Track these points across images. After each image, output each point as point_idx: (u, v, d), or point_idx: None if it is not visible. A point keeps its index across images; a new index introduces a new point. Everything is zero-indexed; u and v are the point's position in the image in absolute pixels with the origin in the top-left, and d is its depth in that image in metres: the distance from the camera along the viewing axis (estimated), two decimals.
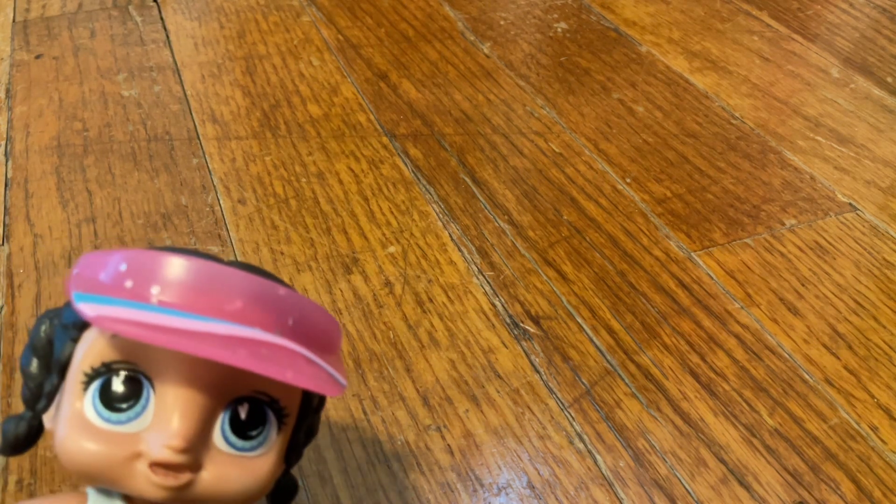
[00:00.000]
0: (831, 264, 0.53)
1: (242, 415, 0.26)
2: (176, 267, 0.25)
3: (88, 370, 0.25)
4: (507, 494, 0.40)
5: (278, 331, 0.26)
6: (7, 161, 0.59)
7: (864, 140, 0.64)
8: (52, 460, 0.40)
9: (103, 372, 0.25)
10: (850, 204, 0.58)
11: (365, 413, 0.43)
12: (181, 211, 0.55)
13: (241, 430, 0.26)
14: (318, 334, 0.27)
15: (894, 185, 0.60)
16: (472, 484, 0.40)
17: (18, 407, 0.42)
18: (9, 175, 0.58)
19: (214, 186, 0.57)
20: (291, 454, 0.29)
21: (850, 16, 0.81)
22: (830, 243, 0.55)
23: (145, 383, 0.25)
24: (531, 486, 0.40)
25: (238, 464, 0.26)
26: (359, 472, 0.40)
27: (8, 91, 0.66)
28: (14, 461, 0.40)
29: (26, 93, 0.66)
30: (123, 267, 0.25)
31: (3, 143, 0.61)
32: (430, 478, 0.40)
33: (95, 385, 0.25)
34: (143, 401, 0.25)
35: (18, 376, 0.44)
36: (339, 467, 0.40)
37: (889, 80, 0.71)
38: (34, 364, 0.27)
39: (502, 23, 0.78)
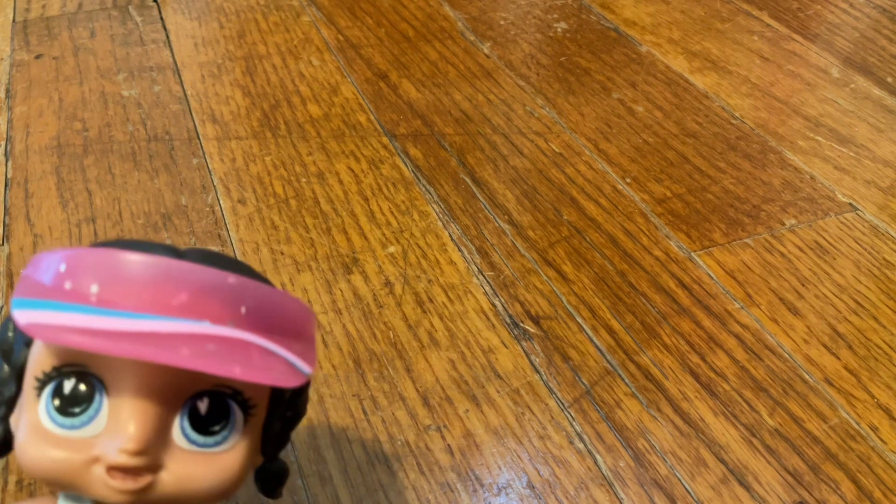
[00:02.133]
0: (831, 264, 0.53)
1: (202, 410, 0.25)
2: (116, 263, 0.24)
3: (40, 375, 0.25)
4: (507, 494, 0.40)
5: (230, 321, 0.24)
6: (7, 161, 0.59)
7: (864, 140, 0.64)
8: None
9: (54, 376, 0.25)
10: (850, 204, 0.58)
11: (365, 413, 0.43)
12: (181, 211, 0.55)
13: (203, 425, 0.25)
14: (278, 320, 0.26)
15: (894, 185, 0.60)
16: (472, 484, 0.40)
17: None
18: (9, 175, 0.58)
19: (214, 186, 0.57)
20: (268, 444, 0.28)
21: (850, 16, 0.81)
22: (830, 243, 0.55)
23: (97, 386, 0.25)
24: (531, 486, 0.40)
25: (202, 460, 0.25)
26: (359, 472, 0.40)
27: (8, 91, 0.66)
28: (14, 461, 0.40)
29: (26, 93, 0.66)
30: (63, 267, 0.24)
31: (3, 143, 0.61)
32: (430, 478, 0.40)
33: (47, 390, 0.25)
34: (95, 404, 0.24)
35: None
36: (339, 467, 0.40)
37: (889, 80, 0.71)
38: (4, 370, 0.26)
39: (502, 23, 0.78)
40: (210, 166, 0.59)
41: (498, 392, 0.44)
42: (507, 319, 0.48)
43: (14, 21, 0.76)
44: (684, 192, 0.58)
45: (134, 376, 0.24)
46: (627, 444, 0.42)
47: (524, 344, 0.47)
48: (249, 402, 0.26)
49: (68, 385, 0.25)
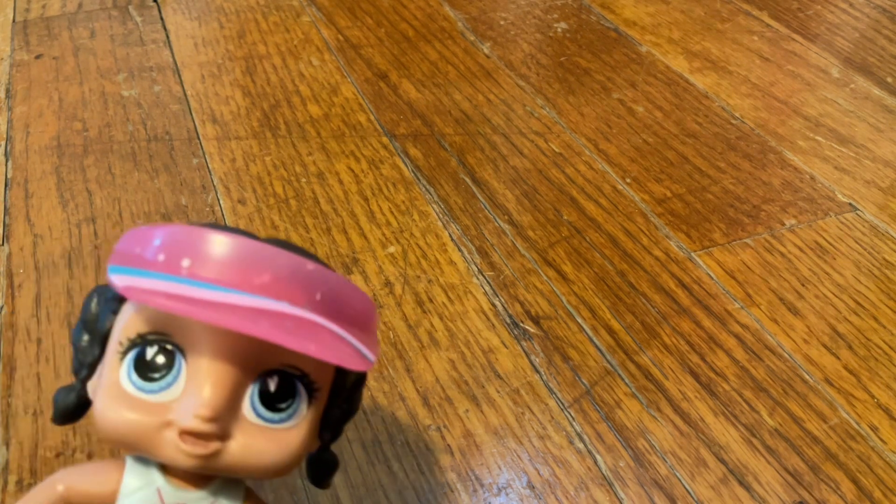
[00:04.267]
0: (831, 264, 0.53)
1: (272, 387, 0.26)
2: (207, 241, 0.26)
3: (124, 341, 0.26)
4: (507, 494, 0.40)
5: (306, 305, 0.26)
6: (7, 161, 0.59)
7: (864, 140, 0.64)
8: (53, 460, 0.40)
9: (138, 343, 0.26)
10: (850, 204, 0.58)
11: (365, 413, 0.43)
12: (181, 211, 0.55)
13: (271, 402, 0.26)
14: (347, 310, 0.27)
15: (894, 185, 0.60)
16: (472, 484, 0.40)
17: (18, 407, 0.42)
18: (9, 175, 0.58)
19: (214, 186, 0.57)
20: (326, 430, 0.29)
21: (850, 16, 0.81)
22: (830, 243, 0.55)
23: (178, 354, 0.26)
24: (531, 486, 0.40)
25: (267, 435, 0.26)
26: (359, 472, 0.40)
27: (8, 91, 0.66)
28: (14, 461, 0.40)
29: (26, 93, 0.66)
30: (158, 241, 0.26)
31: (3, 143, 0.61)
32: (430, 478, 0.40)
33: (131, 355, 0.26)
34: (175, 371, 0.26)
35: (18, 376, 0.44)
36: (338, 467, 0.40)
37: (889, 80, 0.71)
38: (84, 338, 0.28)
39: (502, 23, 0.78)
40: (210, 166, 0.59)
41: (498, 392, 0.44)
42: (507, 319, 0.48)
43: (14, 21, 0.76)
44: (684, 192, 0.58)
45: (212, 348, 0.26)
46: (627, 444, 0.42)
47: (524, 344, 0.47)
48: (315, 384, 0.27)
49: (151, 351, 0.26)
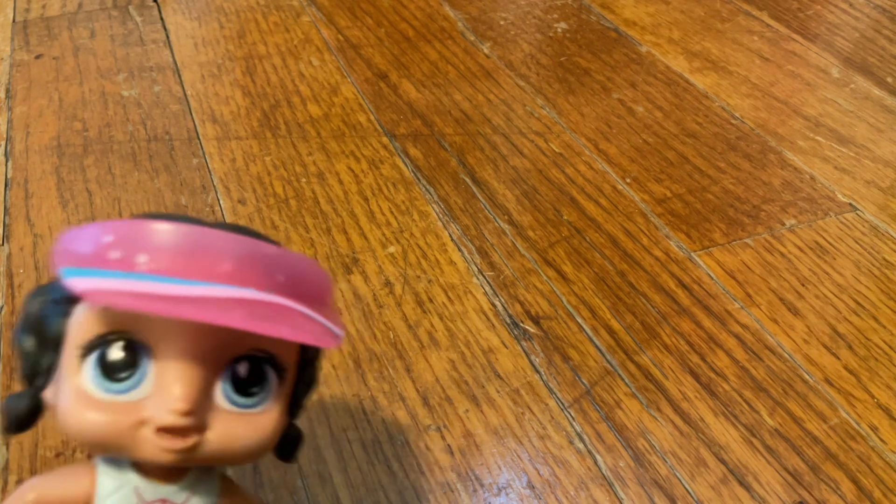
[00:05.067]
0: (831, 264, 0.53)
1: (242, 373, 0.26)
2: (161, 233, 0.25)
3: (83, 343, 0.26)
4: (507, 494, 0.40)
5: (270, 288, 0.26)
6: (7, 161, 0.59)
7: (864, 140, 0.64)
8: (52, 460, 0.40)
9: (98, 344, 0.26)
10: (850, 204, 0.58)
11: (365, 413, 0.43)
12: (181, 211, 0.55)
13: (243, 387, 0.26)
14: (309, 288, 0.27)
15: (894, 185, 0.60)
16: (472, 484, 0.40)
17: None
18: (9, 175, 0.58)
19: (214, 186, 0.57)
20: (293, 407, 0.29)
21: (850, 16, 0.81)
22: (830, 243, 0.55)
23: (141, 351, 0.26)
24: (531, 486, 0.40)
25: (243, 421, 0.26)
26: (359, 472, 0.40)
27: (8, 91, 0.66)
28: (14, 461, 0.40)
29: (26, 93, 0.66)
30: (108, 238, 0.25)
31: (3, 143, 0.61)
32: (430, 478, 0.40)
33: (92, 358, 0.26)
34: (141, 369, 0.26)
35: (18, 376, 0.44)
36: (339, 467, 0.40)
37: (889, 80, 0.71)
38: (29, 342, 0.27)
39: (502, 23, 0.78)
40: (210, 166, 0.59)
41: (498, 392, 0.44)
42: (507, 319, 0.48)
43: (14, 21, 0.76)
44: (684, 192, 0.58)
45: (179, 341, 0.25)
46: (627, 444, 0.42)
47: (524, 344, 0.47)
48: (282, 365, 0.27)
49: (113, 351, 0.26)
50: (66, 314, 0.26)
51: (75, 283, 0.24)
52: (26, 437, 0.41)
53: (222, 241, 0.25)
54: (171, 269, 0.25)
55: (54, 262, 0.26)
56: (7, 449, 0.41)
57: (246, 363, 0.26)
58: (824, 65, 0.73)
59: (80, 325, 0.26)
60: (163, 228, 0.25)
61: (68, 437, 0.26)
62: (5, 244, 0.52)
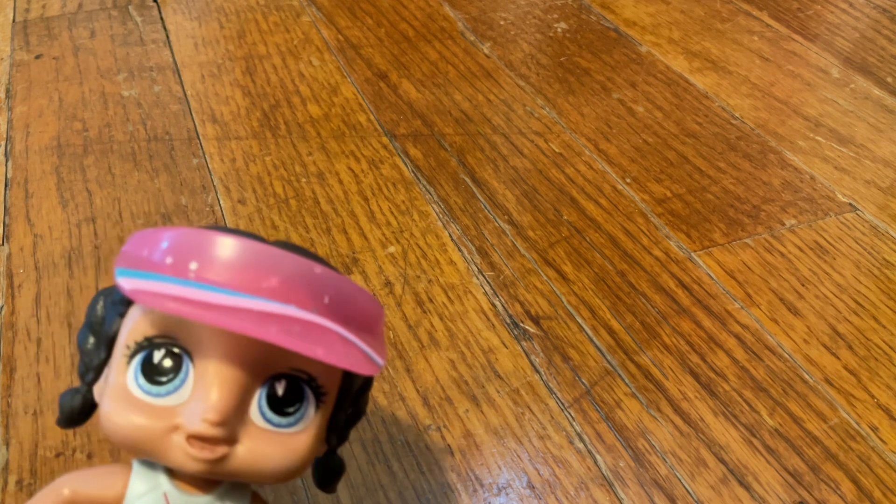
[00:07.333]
0: (831, 264, 0.53)
1: (279, 391, 0.26)
2: (215, 244, 0.25)
3: (131, 344, 0.26)
4: (507, 494, 0.40)
5: (314, 308, 0.26)
6: (7, 161, 0.59)
7: (864, 140, 0.64)
8: (53, 460, 0.40)
9: (145, 346, 0.26)
10: (850, 204, 0.58)
11: (365, 413, 0.43)
12: (181, 211, 0.55)
13: (278, 406, 0.26)
14: (355, 313, 0.27)
15: (894, 185, 0.60)
16: (472, 484, 0.40)
17: (18, 407, 0.42)
18: (9, 175, 0.58)
19: (214, 186, 0.57)
20: (333, 434, 0.29)
21: (850, 16, 0.81)
22: (830, 243, 0.55)
23: (185, 358, 0.26)
24: (531, 486, 0.40)
25: (274, 440, 0.26)
26: (359, 472, 0.40)
27: (8, 91, 0.66)
28: (14, 461, 0.40)
29: (26, 93, 0.66)
30: (165, 244, 0.26)
31: (3, 143, 0.61)
32: (430, 478, 0.40)
33: (138, 359, 0.26)
34: (182, 375, 0.26)
35: (18, 376, 0.44)
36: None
37: (889, 80, 0.71)
38: (90, 341, 0.28)
39: (502, 23, 0.78)
40: (210, 166, 0.59)
41: (498, 392, 0.44)
42: (507, 319, 0.48)
43: (14, 21, 0.76)
44: (684, 192, 0.58)
45: (220, 351, 0.26)
46: (627, 444, 0.42)
47: (524, 344, 0.47)
48: (322, 389, 0.27)
49: (158, 355, 0.26)
50: (122, 314, 0.27)
51: (125, 282, 0.25)
52: (26, 438, 0.41)
53: (273, 257, 0.26)
54: (218, 279, 0.25)
55: (115, 261, 0.27)
56: (7, 449, 0.41)
57: (284, 382, 0.26)
58: (824, 65, 0.73)
59: (132, 326, 0.27)
60: (217, 240, 0.26)
61: (105, 437, 0.26)
62: (5, 244, 0.52)
